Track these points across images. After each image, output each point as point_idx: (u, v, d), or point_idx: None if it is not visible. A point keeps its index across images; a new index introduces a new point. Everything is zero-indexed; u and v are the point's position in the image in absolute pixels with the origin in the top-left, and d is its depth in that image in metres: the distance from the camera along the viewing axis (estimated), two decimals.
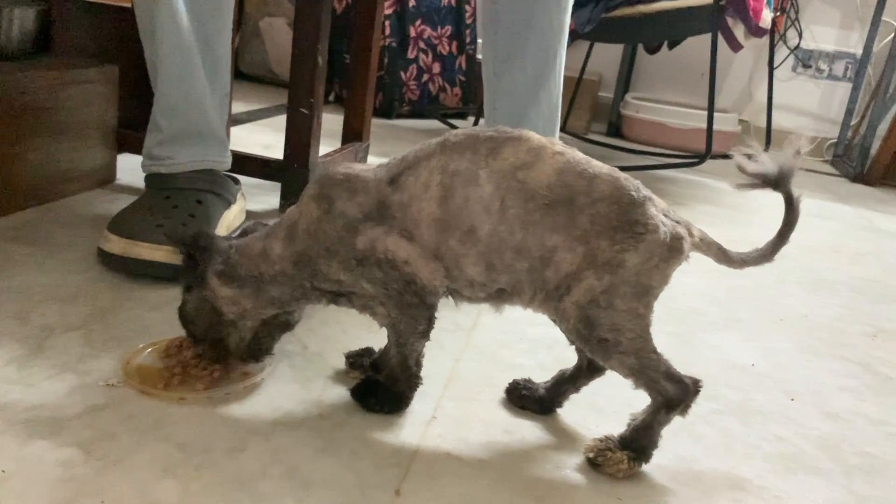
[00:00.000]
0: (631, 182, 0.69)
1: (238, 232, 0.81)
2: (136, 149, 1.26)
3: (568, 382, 0.81)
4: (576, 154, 0.70)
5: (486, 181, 0.68)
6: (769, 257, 0.74)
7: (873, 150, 2.83)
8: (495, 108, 1.24)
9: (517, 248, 0.68)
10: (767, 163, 0.70)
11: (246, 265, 0.73)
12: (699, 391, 0.72)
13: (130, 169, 1.37)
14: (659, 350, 0.70)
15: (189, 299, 0.75)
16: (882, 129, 2.82)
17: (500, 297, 0.72)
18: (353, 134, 1.70)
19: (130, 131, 1.38)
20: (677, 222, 0.69)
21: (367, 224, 0.70)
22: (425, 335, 0.74)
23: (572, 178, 0.68)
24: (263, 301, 0.75)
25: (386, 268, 0.69)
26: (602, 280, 0.66)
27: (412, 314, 0.72)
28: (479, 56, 3.08)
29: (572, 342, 0.76)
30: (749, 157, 0.71)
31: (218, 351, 0.78)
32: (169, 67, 1.11)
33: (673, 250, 0.68)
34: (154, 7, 1.08)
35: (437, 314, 0.73)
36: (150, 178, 1.15)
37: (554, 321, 0.72)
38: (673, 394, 0.70)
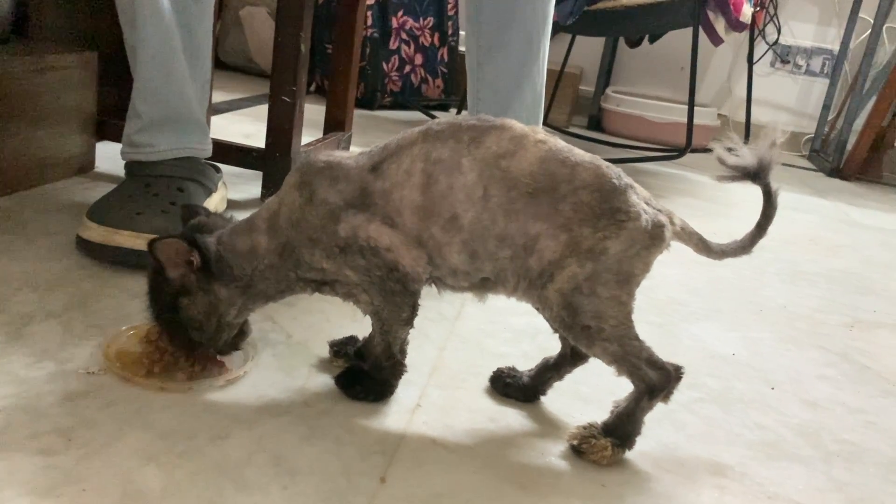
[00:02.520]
0: (613, 170, 0.69)
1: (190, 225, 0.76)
2: (115, 136, 1.24)
3: (552, 370, 0.81)
4: (558, 142, 0.70)
5: (468, 169, 0.68)
6: (748, 249, 0.75)
7: (849, 145, 2.87)
8: (479, 98, 1.24)
9: (500, 236, 0.68)
10: (747, 156, 0.70)
11: (239, 265, 0.72)
12: (681, 378, 0.73)
13: (109, 156, 1.35)
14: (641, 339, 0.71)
15: (192, 304, 0.72)
16: (858, 124, 2.86)
17: (483, 286, 0.72)
18: (336, 124, 1.69)
19: (109, 118, 1.36)
20: (659, 210, 0.70)
21: (349, 211, 0.69)
22: (409, 322, 0.74)
23: (555, 166, 0.68)
24: (253, 297, 0.74)
25: (368, 255, 0.69)
26: (585, 267, 0.67)
27: (395, 301, 0.71)
28: (462, 47, 3.07)
29: (556, 330, 0.76)
30: (729, 150, 0.71)
31: (201, 349, 0.76)
32: (149, 52, 1.09)
33: (655, 238, 0.68)
34: None
35: (420, 302, 0.73)
36: (129, 166, 1.14)
37: (537, 309, 0.72)
38: (655, 380, 0.70)
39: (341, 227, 0.69)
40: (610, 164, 0.69)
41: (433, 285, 0.75)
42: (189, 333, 0.73)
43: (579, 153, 0.70)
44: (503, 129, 0.69)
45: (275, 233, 0.72)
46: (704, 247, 0.74)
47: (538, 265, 0.68)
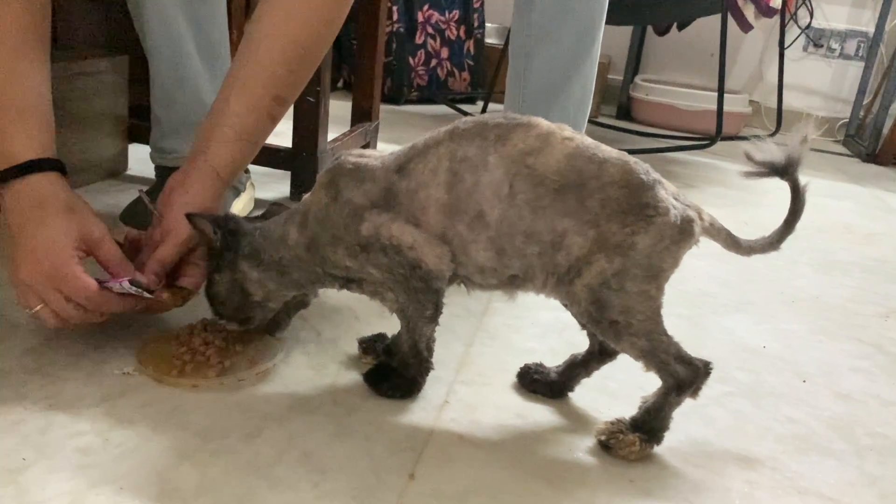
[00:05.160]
0: (640, 165, 0.69)
1: (261, 213, 0.82)
2: (147, 139, 1.26)
3: (580, 367, 0.81)
4: (585, 139, 0.70)
5: (494, 167, 0.68)
6: (776, 245, 0.75)
7: (885, 130, 2.80)
8: (524, 86, 1.19)
9: (527, 232, 0.68)
10: (775, 151, 0.70)
11: (269, 249, 0.75)
12: (710, 373, 0.73)
13: (142, 159, 1.38)
14: (670, 333, 0.70)
15: (220, 280, 0.77)
16: (895, 108, 2.79)
17: (512, 283, 0.73)
18: (362, 114, 1.70)
19: (142, 121, 1.39)
20: (687, 206, 0.70)
21: (373, 211, 0.71)
22: (433, 320, 0.75)
23: (582, 162, 0.68)
24: (286, 283, 0.77)
25: (391, 253, 0.70)
26: (613, 263, 0.67)
27: (419, 299, 0.72)
28: (489, 40, 3.05)
29: (584, 325, 0.77)
30: (757, 145, 0.71)
31: (241, 328, 0.81)
32: (160, 59, 1.10)
33: (684, 233, 0.68)
34: None
35: (446, 300, 0.74)
36: (159, 168, 1.16)
37: (565, 305, 0.73)
38: (683, 375, 0.70)
39: (364, 227, 0.70)
40: (638, 160, 0.69)
41: (462, 284, 0.75)
42: (214, 305, 0.78)
43: (606, 149, 0.70)
44: (529, 127, 0.70)
45: (304, 228, 0.74)
46: (733, 242, 0.74)
47: (566, 261, 0.68)
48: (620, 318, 0.68)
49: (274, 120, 0.83)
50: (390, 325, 0.82)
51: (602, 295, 0.68)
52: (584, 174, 0.67)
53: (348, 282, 0.76)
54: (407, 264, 0.70)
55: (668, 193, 0.69)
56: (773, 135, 2.82)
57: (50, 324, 0.74)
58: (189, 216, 0.75)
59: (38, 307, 0.72)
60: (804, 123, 0.71)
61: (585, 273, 0.68)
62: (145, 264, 0.78)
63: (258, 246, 0.75)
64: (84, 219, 0.75)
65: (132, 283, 0.74)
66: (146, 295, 0.75)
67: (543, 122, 0.70)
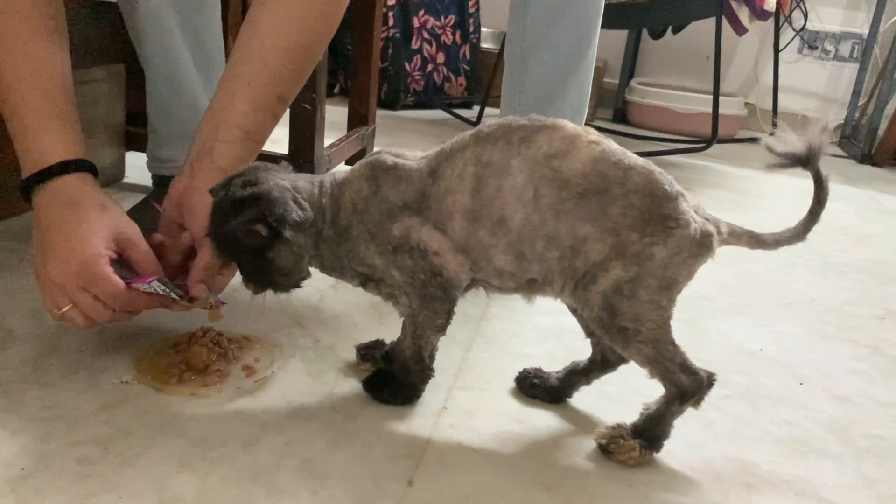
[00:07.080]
0: (665, 176, 0.69)
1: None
2: (143, 147, 1.26)
3: (580, 374, 0.81)
4: (611, 144, 0.70)
5: (517, 170, 0.68)
6: (802, 236, 0.73)
7: (881, 131, 2.81)
8: (521, 91, 1.18)
9: (549, 236, 0.68)
10: (796, 142, 0.70)
11: (314, 215, 0.72)
12: (713, 384, 0.73)
13: (139, 167, 1.38)
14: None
15: (278, 257, 0.72)
16: (889, 109, 2.80)
17: (531, 286, 0.73)
18: (359, 119, 1.71)
19: (138, 129, 1.39)
20: (707, 219, 0.70)
21: (405, 213, 0.71)
22: (442, 329, 0.75)
23: (608, 167, 0.68)
24: (316, 255, 0.75)
25: (416, 257, 0.70)
26: (629, 271, 0.67)
27: (433, 307, 0.73)
28: (485, 45, 3.06)
29: (588, 335, 0.77)
30: (778, 137, 0.71)
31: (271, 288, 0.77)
32: (156, 69, 1.10)
33: (702, 247, 0.68)
34: (135, 8, 1.07)
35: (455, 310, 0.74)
36: (156, 178, 1.16)
37: (576, 309, 0.73)
38: (687, 385, 0.70)
39: (396, 227, 0.71)
40: (662, 171, 0.69)
41: (480, 287, 0.75)
42: (275, 279, 0.74)
43: (632, 156, 0.69)
44: (555, 129, 0.69)
45: (337, 213, 0.73)
46: (757, 241, 0.73)
47: (583, 266, 0.68)
48: (630, 325, 0.68)
49: (276, 118, 0.83)
50: (388, 332, 0.82)
51: (614, 301, 0.68)
52: (609, 179, 0.67)
53: (368, 280, 0.76)
54: (429, 270, 0.70)
55: (690, 206, 0.69)
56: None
57: (79, 324, 0.74)
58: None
59: (67, 307, 0.72)
60: (822, 118, 0.71)
61: (601, 280, 0.68)
62: (190, 274, 0.77)
63: (304, 214, 0.71)
64: (117, 218, 0.75)
65: (160, 281, 0.73)
66: (172, 295, 0.75)
67: (569, 125, 0.70)
